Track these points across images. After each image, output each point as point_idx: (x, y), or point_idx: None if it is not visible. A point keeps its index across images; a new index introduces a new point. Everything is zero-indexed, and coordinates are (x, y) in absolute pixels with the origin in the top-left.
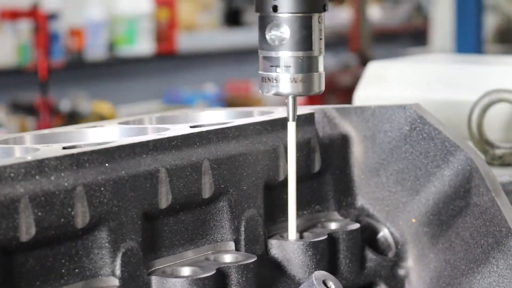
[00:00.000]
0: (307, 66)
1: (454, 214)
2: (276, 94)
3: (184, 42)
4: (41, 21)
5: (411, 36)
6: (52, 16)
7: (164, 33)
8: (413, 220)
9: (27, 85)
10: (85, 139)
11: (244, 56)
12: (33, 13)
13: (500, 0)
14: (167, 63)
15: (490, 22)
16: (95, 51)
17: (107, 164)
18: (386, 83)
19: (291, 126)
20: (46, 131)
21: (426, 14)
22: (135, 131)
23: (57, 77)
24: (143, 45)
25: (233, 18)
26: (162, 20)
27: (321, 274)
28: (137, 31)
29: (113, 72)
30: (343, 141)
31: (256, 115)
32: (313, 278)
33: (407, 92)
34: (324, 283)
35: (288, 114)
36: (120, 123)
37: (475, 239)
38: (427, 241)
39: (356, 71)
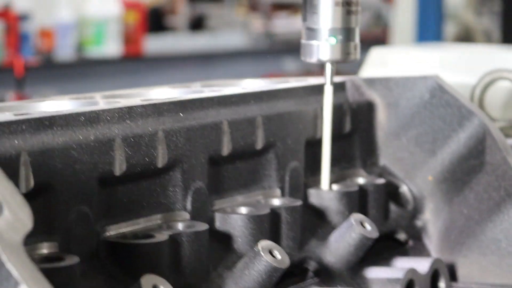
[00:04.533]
0: (345, 36)
1: (468, 172)
2: (318, 61)
3: (151, 44)
4: (12, 21)
5: (370, 44)
6: (23, 17)
7: (132, 36)
8: (430, 178)
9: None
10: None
11: (209, 59)
12: (4, 14)
13: (459, 9)
14: (134, 65)
15: (450, 31)
16: (65, 51)
17: (181, 114)
18: (387, 67)
19: (328, 89)
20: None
21: (385, 23)
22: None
23: (27, 76)
24: (111, 47)
25: (198, 23)
26: (130, 23)
27: (358, 216)
28: (105, 33)
29: (82, 72)
30: (369, 108)
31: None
32: (352, 219)
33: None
34: (362, 223)
35: (326, 79)
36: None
37: (488, 192)
38: (443, 196)
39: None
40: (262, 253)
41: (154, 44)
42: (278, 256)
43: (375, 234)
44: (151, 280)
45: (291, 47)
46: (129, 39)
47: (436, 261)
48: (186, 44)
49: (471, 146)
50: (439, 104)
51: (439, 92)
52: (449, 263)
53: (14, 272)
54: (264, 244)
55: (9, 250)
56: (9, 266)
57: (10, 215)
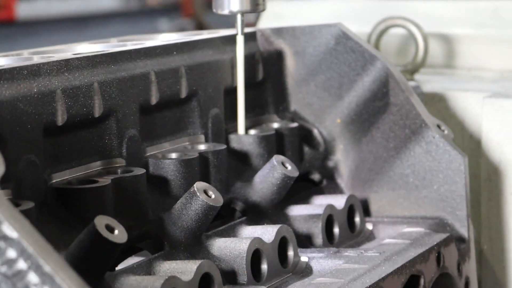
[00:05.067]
0: None
1: (374, 113)
2: (229, 12)
3: (23, 10)
4: None
5: None
6: None
7: (3, 1)
8: (338, 121)
9: None
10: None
11: (82, 22)
12: None
13: None
14: (7, 30)
15: None
16: None
17: (113, 66)
18: (283, 20)
19: (240, 39)
20: (38, 49)
21: None
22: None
23: None
24: None
25: None
26: None
27: (280, 157)
28: None
29: None
30: (278, 56)
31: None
32: (274, 160)
33: None
34: (283, 164)
35: (238, 29)
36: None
37: (394, 131)
38: (351, 137)
39: None
40: (198, 193)
41: (26, 9)
42: (213, 196)
43: (295, 173)
44: (103, 220)
45: (164, 8)
46: (1, 5)
47: (351, 197)
48: (58, 7)
49: (375, 89)
50: (344, 50)
51: (343, 39)
52: (361, 199)
53: None
54: (199, 185)
55: None
56: None
57: None
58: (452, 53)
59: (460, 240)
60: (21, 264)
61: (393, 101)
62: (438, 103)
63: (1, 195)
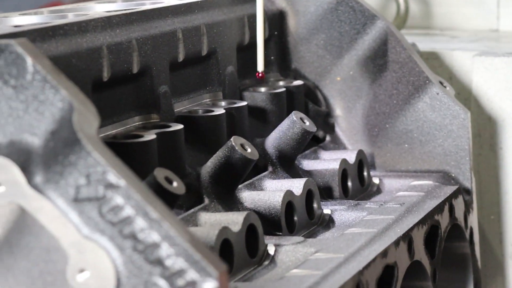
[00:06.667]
0: None
1: (376, 70)
2: None
3: None
4: None
5: None
6: None
7: None
8: (338, 79)
9: None
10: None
11: None
12: None
13: None
14: None
15: None
16: None
17: (146, 23)
18: None
19: None
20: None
21: None
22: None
23: None
24: None
25: None
26: None
27: (299, 113)
28: None
29: None
30: (280, 16)
31: None
32: (293, 115)
33: None
34: (302, 119)
35: None
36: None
37: (397, 88)
38: (353, 94)
39: None
40: (237, 147)
41: None
42: (249, 150)
43: (314, 128)
44: (162, 173)
45: None
46: None
47: (360, 152)
48: None
49: (376, 47)
50: (345, 9)
51: None
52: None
53: (101, 160)
54: (237, 139)
55: (92, 141)
56: (95, 154)
57: (82, 113)
58: (426, 14)
59: (465, 192)
60: (128, 211)
61: (394, 58)
62: (426, 62)
63: (103, 145)
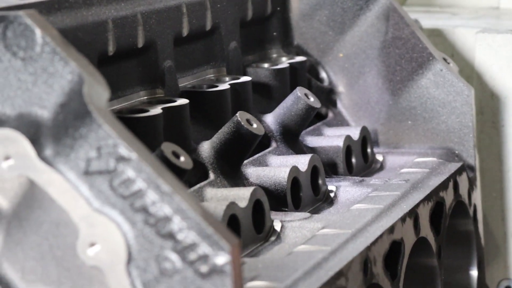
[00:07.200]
0: None
1: (379, 47)
2: None
3: None
4: None
5: None
6: None
7: None
8: (341, 55)
9: None
10: None
11: None
12: None
13: None
14: None
15: None
16: None
17: None
18: None
19: None
20: None
21: None
22: None
23: None
24: None
25: None
26: None
27: (303, 89)
28: None
29: None
30: None
31: None
32: (297, 91)
33: None
34: (306, 95)
35: None
36: None
37: (401, 65)
38: (355, 70)
39: None
40: (242, 123)
41: None
42: (254, 125)
43: (318, 104)
44: (170, 147)
45: None
46: None
47: (364, 129)
48: None
49: (378, 24)
50: None
51: None
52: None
53: (112, 132)
54: (242, 114)
55: (102, 114)
56: (106, 127)
57: (91, 85)
58: None
59: (469, 168)
60: (140, 184)
61: (398, 35)
62: (429, 39)
63: (113, 118)
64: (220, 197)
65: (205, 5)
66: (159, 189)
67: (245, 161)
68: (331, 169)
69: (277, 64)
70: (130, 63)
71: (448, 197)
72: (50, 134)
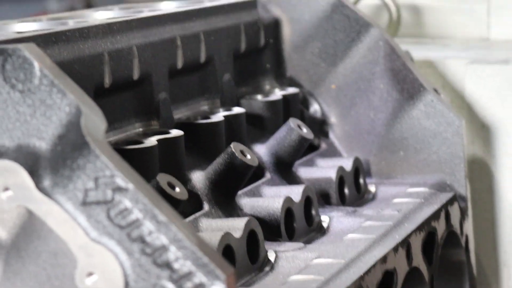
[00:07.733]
0: None
1: (370, 78)
2: None
3: None
4: None
5: None
6: None
7: None
8: (333, 87)
9: None
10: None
11: None
12: None
13: None
14: None
15: None
16: None
17: (146, 30)
18: None
19: None
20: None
21: None
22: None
23: None
24: None
25: None
26: None
27: (296, 120)
28: None
29: None
30: (275, 23)
31: None
32: (290, 123)
33: None
34: (299, 127)
35: None
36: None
37: (392, 96)
38: (348, 101)
39: None
40: (236, 154)
41: None
42: (248, 156)
43: (311, 136)
44: (165, 178)
45: None
46: None
47: (356, 160)
48: None
49: (370, 55)
50: (340, 18)
51: (339, 7)
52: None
53: (109, 163)
54: (236, 146)
55: (100, 145)
56: (104, 158)
57: (89, 117)
58: (418, 22)
59: (460, 199)
60: (137, 214)
61: (389, 66)
62: (419, 70)
63: (110, 149)
64: (215, 227)
65: (199, 38)
66: (155, 219)
67: (239, 192)
68: (324, 200)
69: (270, 96)
70: (126, 95)
71: (440, 227)
72: (48, 165)
